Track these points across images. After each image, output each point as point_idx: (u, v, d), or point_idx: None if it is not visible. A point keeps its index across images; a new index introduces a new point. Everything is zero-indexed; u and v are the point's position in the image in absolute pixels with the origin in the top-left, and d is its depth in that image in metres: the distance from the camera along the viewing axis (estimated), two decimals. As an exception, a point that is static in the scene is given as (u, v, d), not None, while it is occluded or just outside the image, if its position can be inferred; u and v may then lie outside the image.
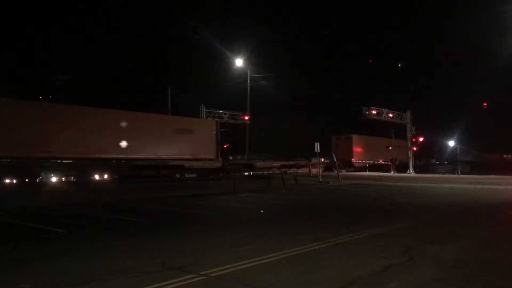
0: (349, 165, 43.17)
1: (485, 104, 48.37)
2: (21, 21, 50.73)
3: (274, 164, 39.08)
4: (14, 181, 22.98)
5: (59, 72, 43.28)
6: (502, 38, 40.41)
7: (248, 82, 40.14)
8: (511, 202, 16.55)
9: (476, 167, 46.61)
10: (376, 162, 47.43)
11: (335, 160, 32.94)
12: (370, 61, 58.99)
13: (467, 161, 49.50)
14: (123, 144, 25.49)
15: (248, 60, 39.69)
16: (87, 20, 58.79)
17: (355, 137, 45.41)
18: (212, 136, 33.23)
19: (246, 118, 39.87)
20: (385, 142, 47.96)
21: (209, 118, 35.58)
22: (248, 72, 39.91)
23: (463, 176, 39.18)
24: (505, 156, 55.86)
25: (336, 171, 31.91)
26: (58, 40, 56.14)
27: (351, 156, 44.11)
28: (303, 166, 39.44)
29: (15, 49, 46.04)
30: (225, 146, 44.91)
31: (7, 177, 22.59)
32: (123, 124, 25.60)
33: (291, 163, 40.45)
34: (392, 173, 42.94)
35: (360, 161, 45.33)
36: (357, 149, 44.93)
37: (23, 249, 8.06)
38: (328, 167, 39.42)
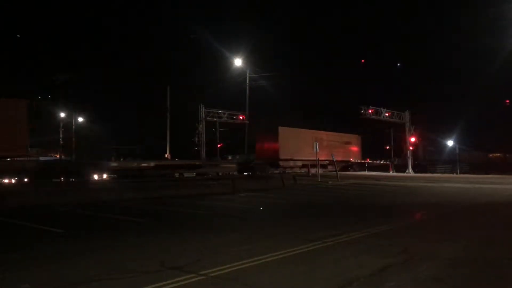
0: (274, 165, 34.81)
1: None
2: (20, 20, 50.70)
3: (143, 165, 30.36)
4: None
5: (58, 72, 43.30)
6: (501, 37, 40.47)
7: (247, 82, 40.23)
8: (507, 201, 16.58)
9: (474, 167, 46.85)
10: (320, 161, 36.49)
11: (334, 160, 32.92)
12: (363, 60, 58.86)
13: (453, 160, 49.39)
14: None
15: (247, 60, 39.79)
16: (86, 20, 58.75)
17: (282, 130, 35.84)
18: (19, 123, 22.14)
19: (245, 117, 39.95)
20: (329, 137, 39.86)
21: (18, 98, 23.56)
22: (247, 72, 39.99)
23: (461, 175, 39.31)
24: (490, 155, 56.25)
25: (335, 171, 31.92)
26: (55, 40, 56.12)
27: (277, 154, 34.98)
28: (198, 166, 32.76)
29: (14, 47, 45.96)
30: (218, 145, 45.05)
31: None
32: None
33: (175, 163, 32.29)
34: (391, 173, 43.05)
35: (291, 159, 36.42)
36: (286, 145, 35.45)
37: (22, 249, 8.07)
38: (243, 168, 33.08)
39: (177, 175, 30.96)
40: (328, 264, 6.60)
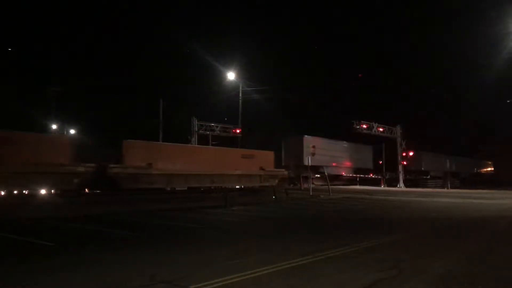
0: None
1: None
2: (15, 30, 50.68)
3: None
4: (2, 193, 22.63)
5: (52, 83, 43.21)
6: (491, 54, 41.36)
7: (240, 95, 40.34)
8: (498, 216, 16.73)
9: (464, 182, 47.33)
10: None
11: (325, 173, 33.00)
12: (360, 75, 59.72)
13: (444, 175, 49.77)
14: None
15: (240, 74, 39.94)
16: (79, 33, 58.89)
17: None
18: None
19: (238, 131, 39.96)
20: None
21: None
22: (240, 85, 40.14)
23: (452, 190, 39.61)
24: (480, 170, 57.50)
25: (327, 185, 31.98)
26: (51, 52, 56.13)
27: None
28: None
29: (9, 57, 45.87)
30: None
31: None
32: None
33: None
34: (382, 187, 43.24)
35: None
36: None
37: (11, 263, 7.95)
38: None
39: (168, 188, 30.74)
40: (320, 278, 6.61)
